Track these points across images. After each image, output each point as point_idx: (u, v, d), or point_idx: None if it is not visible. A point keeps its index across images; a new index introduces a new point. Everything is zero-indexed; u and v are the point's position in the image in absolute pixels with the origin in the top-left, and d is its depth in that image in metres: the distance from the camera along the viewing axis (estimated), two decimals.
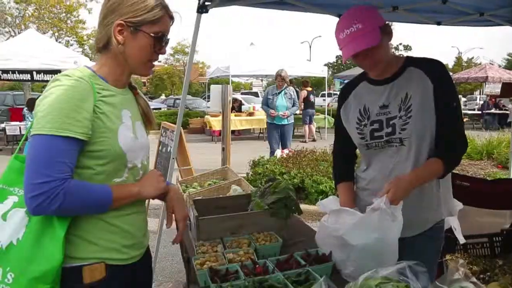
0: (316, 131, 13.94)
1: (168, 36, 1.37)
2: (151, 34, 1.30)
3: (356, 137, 1.81)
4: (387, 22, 1.67)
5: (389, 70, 1.71)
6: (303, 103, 12.09)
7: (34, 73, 9.92)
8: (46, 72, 9.87)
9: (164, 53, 1.38)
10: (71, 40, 22.31)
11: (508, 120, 14.60)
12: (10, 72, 9.80)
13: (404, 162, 1.69)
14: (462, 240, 2.09)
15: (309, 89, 12.64)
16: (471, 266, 2.23)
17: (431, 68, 1.67)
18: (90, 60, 11.08)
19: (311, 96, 12.59)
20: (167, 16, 1.34)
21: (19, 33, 17.34)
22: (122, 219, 1.34)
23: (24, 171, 1.17)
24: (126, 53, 1.30)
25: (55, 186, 1.14)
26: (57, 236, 1.20)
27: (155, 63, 1.40)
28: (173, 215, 1.52)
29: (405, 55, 1.78)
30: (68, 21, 21.59)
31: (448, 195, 1.79)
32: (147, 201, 1.66)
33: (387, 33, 1.64)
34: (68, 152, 1.17)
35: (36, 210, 1.15)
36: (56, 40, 19.66)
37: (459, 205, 1.86)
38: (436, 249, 1.79)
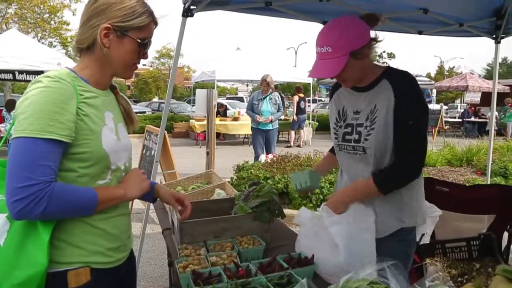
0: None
1: (151, 41, 1.38)
2: (138, 39, 1.31)
3: (332, 136, 1.90)
4: (373, 37, 1.67)
5: (367, 79, 1.74)
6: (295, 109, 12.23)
7: (17, 73, 9.74)
8: (29, 72, 9.69)
9: (146, 57, 1.39)
10: (55, 41, 21.94)
11: (487, 128, 14.96)
12: None
13: (368, 171, 1.73)
14: (425, 241, 2.16)
15: (301, 95, 12.74)
16: (450, 270, 2.28)
17: (399, 81, 1.66)
18: (74, 61, 10.93)
19: (302, 103, 12.69)
20: (153, 22, 1.36)
21: (0, 33, 16.99)
22: (107, 222, 1.33)
23: (5, 175, 1.13)
24: (111, 56, 1.30)
25: (38, 189, 1.11)
26: (41, 240, 1.17)
27: (140, 66, 1.42)
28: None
29: (386, 65, 1.80)
30: (52, 22, 21.24)
31: (416, 203, 1.78)
32: (130, 204, 1.66)
33: (359, 58, 1.62)
34: (51, 154, 1.14)
35: (19, 214, 1.12)
36: (39, 41, 19.32)
37: (436, 211, 1.90)
38: (405, 252, 1.80)
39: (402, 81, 1.67)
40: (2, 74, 9.77)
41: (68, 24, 22.03)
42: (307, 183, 1.99)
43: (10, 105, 10.42)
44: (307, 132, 13.28)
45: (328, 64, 1.61)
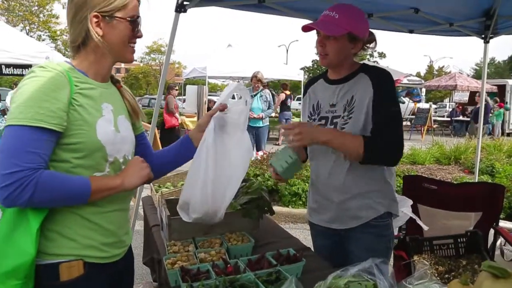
0: None
1: (140, 18, 1.38)
2: (127, 18, 1.31)
3: None
4: (369, 39, 1.82)
5: (343, 72, 1.83)
6: (279, 106, 12.18)
7: (3, 67, 9.57)
8: (16, 66, 9.52)
9: (141, 36, 1.38)
10: (44, 34, 21.66)
11: (469, 127, 15.15)
12: None
13: (342, 163, 1.79)
14: (425, 227, 2.19)
15: (288, 92, 12.76)
16: (437, 266, 2.30)
17: (376, 75, 1.76)
18: (63, 55, 10.80)
19: (288, 100, 12.72)
20: None
21: None
22: (102, 217, 1.31)
23: None
24: (107, 43, 1.29)
25: (24, 176, 1.10)
26: (30, 229, 1.16)
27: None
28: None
29: (362, 62, 1.88)
30: (41, 15, 20.94)
31: (389, 188, 1.86)
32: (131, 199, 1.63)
33: (351, 40, 1.75)
34: (41, 142, 1.13)
35: (7, 201, 1.11)
36: (28, 34, 19.04)
37: (408, 201, 1.95)
38: (385, 247, 1.88)
39: (380, 75, 1.77)
40: None
41: (57, 17, 21.76)
42: (291, 157, 1.75)
43: None
44: None
45: (327, 24, 1.72)
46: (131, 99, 1.48)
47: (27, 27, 20.76)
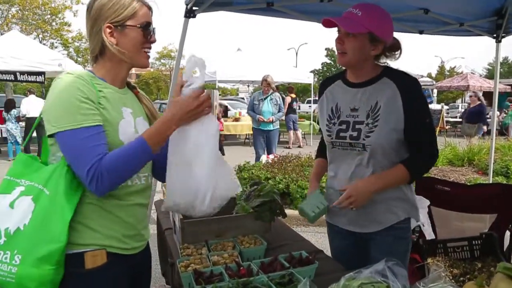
0: (302, 137, 14.02)
1: (154, 25, 1.45)
2: (137, 25, 1.38)
3: (325, 133, 1.90)
4: (391, 45, 1.76)
5: (364, 75, 1.78)
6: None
7: (18, 74, 9.77)
8: (30, 73, 9.73)
9: (154, 41, 1.45)
10: (56, 42, 22.00)
11: (488, 128, 14.92)
12: None
13: (364, 168, 1.76)
14: (431, 235, 2.16)
15: (293, 95, 12.77)
16: (451, 269, 2.28)
17: (404, 83, 1.72)
18: (75, 62, 10.94)
19: (294, 103, 12.75)
20: (145, 6, 1.43)
21: (1, 34, 17.02)
22: (123, 210, 1.39)
23: (30, 163, 1.34)
24: (121, 50, 1.38)
25: (95, 169, 1.23)
26: (63, 218, 1.25)
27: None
28: None
29: (385, 65, 1.83)
30: (53, 23, 21.28)
31: (413, 196, 1.86)
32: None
33: (372, 41, 1.69)
34: (93, 137, 1.26)
35: (98, 193, 1.27)
36: (41, 42, 19.37)
37: (426, 202, 1.94)
38: (404, 249, 1.85)
39: (408, 82, 1.72)
40: (4, 75, 9.81)
41: (69, 25, 22.07)
42: (323, 204, 1.83)
43: (9, 105, 10.44)
44: (298, 134, 13.28)
45: (348, 21, 1.68)
46: (148, 103, 1.58)
47: (40, 35, 21.11)
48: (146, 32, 1.41)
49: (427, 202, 1.88)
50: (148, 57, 1.46)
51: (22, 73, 9.80)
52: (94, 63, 1.43)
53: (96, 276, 1.33)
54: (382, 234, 1.79)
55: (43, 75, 9.92)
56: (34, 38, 19.25)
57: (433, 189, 2.94)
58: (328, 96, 1.92)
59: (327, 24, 1.74)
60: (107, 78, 1.41)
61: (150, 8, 1.45)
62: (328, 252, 2.07)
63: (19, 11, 19.95)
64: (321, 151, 2.06)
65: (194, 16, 2.78)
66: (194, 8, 2.77)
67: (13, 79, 9.96)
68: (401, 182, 1.76)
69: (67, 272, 1.29)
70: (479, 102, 11.50)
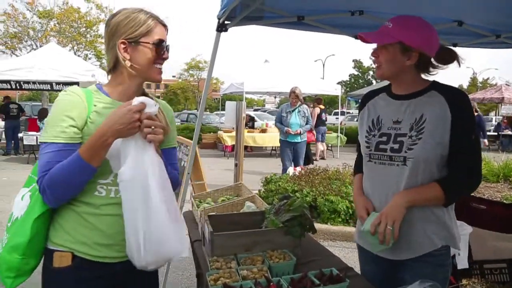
0: (328, 149, 13.87)
1: (167, 42, 1.52)
2: (151, 42, 1.46)
3: (363, 145, 1.84)
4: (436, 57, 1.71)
5: (409, 87, 1.74)
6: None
7: (54, 84, 10.22)
8: (65, 84, 10.12)
9: (167, 57, 1.52)
10: (90, 53, 22.81)
11: (490, 140, 14.31)
12: (31, 82, 10.14)
13: (402, 186, 1.68)
14: (464, 265, 2.06)
15: (322, 107, 12.66)
16: None
17: (454, 97, 1.65)
18: (107, 73, 11.25)
19: (323, 114, 12.61)
20: (160, 24, 1.50)
21: (40, 46, 17.82)
22: (98, 219, 1.44)
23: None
24: (134, 65, 1.45)
25: (40, 182, 1.36)
26: (31, 216, 1.41)
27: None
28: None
29: (431, 79, 1.78)
30: (88, 36, 22.10)
31: (453, 223, 1.73)
32: None
33: (404, 51, 1.66)
34: (53, 153, 1.36)
35: (48, 204, 1.41)
36: (75, 54, 20.15)
37: (467, 229, 1.83)
38: (443, 277, 1.73)
39: (458, 97, 1.66)
40: (41, 85, 10.27)
41: (102, 37, 22.80)
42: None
43: (42, 114, 10.91)
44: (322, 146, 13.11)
45: (378, 34, 1.68)
46: (161, 115, 1.52)
47: (75, 47, 21.94)
48: (159, 49, 1.47)
49: (469, 229, 1.77)
50: (161, 72, 1.52)
51: (58, 83, 10.23)
52: (109, 76, 1.52)
53: (63, 276, 1.44)
54: (419, 261, 1.69)
55: (77, 85, 10.29)
56: (70, 50, 20.05)
57: (467, 207, 2.84)
58: (370, 108, 1.88)
59: (362, 40, 1.73)
60: (114, 92, 1.50)
61: (165, 26, 1.52)
62: (357, 268, 2.02)
63: (57, 24, 20.87)
64: (360, 166, 1.97)
65: (226, 30, 2.82)
66: (226, 22, 2.81)
67: (49, 88, 10.43)
68: (434, 201, 1.65)
69: (43, 264, 1.47)
70: (476, 114, 11.08)
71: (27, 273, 1.45)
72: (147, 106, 1.35)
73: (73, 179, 1.36)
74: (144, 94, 1.55)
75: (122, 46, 1.44)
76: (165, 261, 1.47)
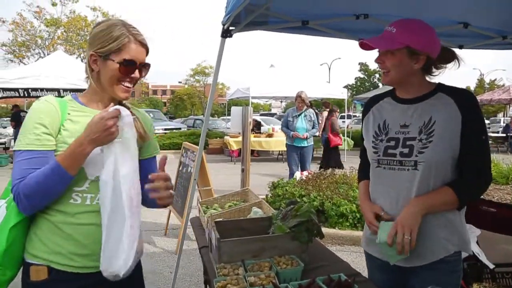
0: None
1: (146, 62, 1.50)
2: (117, 61, 1.44)
3: (370, 151, 1.81)
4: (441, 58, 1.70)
5: (415, 91, 1.72)
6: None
7: (61, 91, 10.34)
8: (72, 90, 10.21)
9: (137, 77, 1.49)
10: None
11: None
12: (39, 90, 10.27)
13: (412, 192, 1.64)
14: (490, 265, 2.02)
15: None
16: None
17: (462, 98, 1.63)
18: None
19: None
20: (135, 42, 1.46)
21: (48, 54, 18.04)
22: (74, 228, 1.41)
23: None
24: (100, 79, 1.47)
25: (15, 190, 1.33)
26: (6, 226, 1.39)
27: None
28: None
29: (437, 81, 1.76)
30: None
31: (464, 227, 1.71)
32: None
33: (411, 55, 1.64)
34: (28, 160, 1.35)
35: (22, 212, 1.38)
36: (82, 61, 20.35)
37: (475, 231, 1.81)
38: (455, 283, 1.69)
39: (466, 98, 1.64)
40: (49, 92, 10.40)
41: None
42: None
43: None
44: None
45: (382, 39, 1.66)
46: (138, 124, 1.53)
47: (82, 55, 22.18)
48: (125, 68, 1.44)
49: (478, 232, 1.75)
50: (127, 90, 1.48)
51: (65, 90, 10.34)
52: (87, 82, 1.53)
53: None
54: (431, 267, 1.65)
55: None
56: (76, 57, 20.27)
57: (477, 210, 2.81)
58: (375, 113, 1.85)
59: (364, 46, 1.70)
60: (90, 101, 1.51)
61: (144, 46, 1.49)
62: (365, 273, 2.00)
63: (64, 33, 21.13)
64: (364, 172, 1.94)
65: (230, 36, 2.83)
66: (230, 28, 2.82)
67: (57, 95, 10.50)
68: (448, 206, 1.63)
69: (22, 278, 1.44)
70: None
71: (3, 284, 1.43)
72: (121, 113, 1.37)
73: (51, 187, 1.34)
74: (120, 103, 1.52)
75: (93, 58, 1.45)
76: (113, 276, 1.37)
